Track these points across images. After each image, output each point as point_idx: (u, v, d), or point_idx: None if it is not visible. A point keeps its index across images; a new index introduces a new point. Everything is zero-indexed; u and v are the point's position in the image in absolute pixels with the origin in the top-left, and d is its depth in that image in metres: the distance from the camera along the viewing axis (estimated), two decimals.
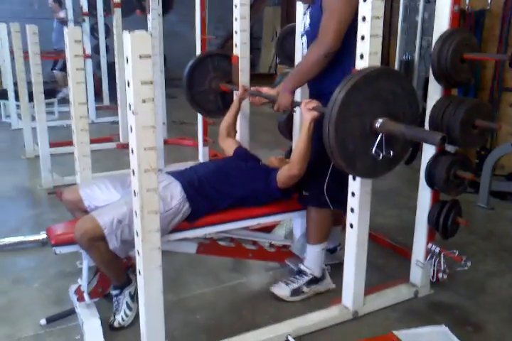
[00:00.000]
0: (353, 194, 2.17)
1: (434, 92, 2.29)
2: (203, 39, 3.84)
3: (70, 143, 2.67)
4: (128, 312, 2.24)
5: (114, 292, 2.27)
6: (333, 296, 2.48)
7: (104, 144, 5.26)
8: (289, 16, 8.55)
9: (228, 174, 2.38)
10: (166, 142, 5.06)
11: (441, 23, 2.20)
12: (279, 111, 2.46)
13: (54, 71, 7.80)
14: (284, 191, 2.36)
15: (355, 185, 2.15)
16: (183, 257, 2.75)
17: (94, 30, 6.92)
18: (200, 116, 4.48)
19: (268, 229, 2.77)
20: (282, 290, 2.46)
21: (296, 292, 2.45)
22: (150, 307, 1.80)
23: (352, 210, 2.19)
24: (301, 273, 2.50)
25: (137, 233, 1.71)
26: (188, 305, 2.43)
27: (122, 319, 2.23)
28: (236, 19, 2.83)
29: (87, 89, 6.65)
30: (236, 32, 2.80)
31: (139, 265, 1.75)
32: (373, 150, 1.85)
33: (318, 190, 2.34)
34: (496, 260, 2.96)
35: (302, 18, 2.45)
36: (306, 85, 2.51)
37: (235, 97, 2.82)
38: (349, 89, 1.77)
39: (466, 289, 2.60)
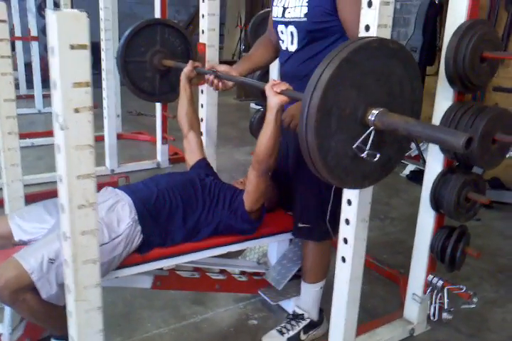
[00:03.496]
0: (347, 221, 1.76)
1: (445, 98, 1.89)
2: None
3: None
4: None
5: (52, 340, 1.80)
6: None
7: (51, 138, 4.65)
8: (254, 1, 8.04)
9: (191, 194, 1.93)
10: (120, 137, 4.53)
11: (458, 12, 1.80)
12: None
13: None
14: (253, 218, 1.95)
15: (350, 211, 1.74)
16: None
17: (41, 9, 6.26)
18: (158, 109, 4.01)
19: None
20: None
21: None
22: None
23: (345, 241, 1.78)
24: (297, 317, 2.08)
25: (69, 289, 1.25)
26: None
27: None
28: (204, 0, 2.35)
29: (28, 75, 6.05)
30: (203, 16, 2.31)
31: (72, 330, 1.30)
32: (355, 145, 1.29)
33: (321, 221, 1.92)
34: (494, 284, 2.62)
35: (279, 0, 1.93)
36: None
37: (182, 76, 2.23)
38: (349, 54, 1.24)
39: (467, 324, 2.25)
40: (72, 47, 1.03)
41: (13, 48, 6.37)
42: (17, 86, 6.16)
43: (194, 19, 8.51)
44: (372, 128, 1.28)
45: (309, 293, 2.07)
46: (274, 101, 1.68)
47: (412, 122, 1.26)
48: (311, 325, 2.07)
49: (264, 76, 2.76)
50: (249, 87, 2.29)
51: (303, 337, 2.05)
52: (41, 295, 1.53)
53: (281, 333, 2.03)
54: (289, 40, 1.90)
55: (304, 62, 1.88)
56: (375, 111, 1.28)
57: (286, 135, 1.95)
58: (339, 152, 1.28)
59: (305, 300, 2.09)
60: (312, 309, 2.08)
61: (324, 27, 1.78)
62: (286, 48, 1.92)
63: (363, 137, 1.29)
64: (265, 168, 1.81)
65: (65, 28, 1.01)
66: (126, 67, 2.42)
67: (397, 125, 1.26)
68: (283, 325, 2.07)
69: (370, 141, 1.28)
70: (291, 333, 2.03)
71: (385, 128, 1.29)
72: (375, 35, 1.47)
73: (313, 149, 1.21)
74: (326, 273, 2.08)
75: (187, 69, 2.21)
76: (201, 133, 2.51)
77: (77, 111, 1.08)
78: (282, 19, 1.89)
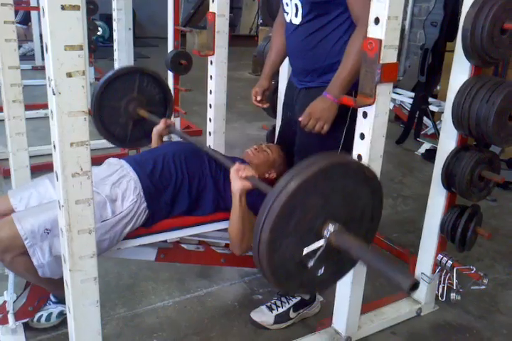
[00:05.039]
0: None
1: (461, 72, 1.80)
2: None
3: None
4: (43, 320, 1.86)
5: (52, 297, 1.88)
6: (321, 311, 2.09)
7: None
8: None
9: (197, 164, 1.90)
10: None
11: None
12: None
13: None
14: None
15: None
16: None
17: None
18: (170, 82, 3.95)
19: None
20: (264, 317, 2.00)
21: (280, 318, 1.99)
22: None
23: None
24: (287, 294, 2.05)
25: (64, 259, 1.23)
26: (144, 323, 1.98)
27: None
28: None
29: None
30: None
31: (68, 300, 1.28)
32: (304, 251, 1.23)
33: None
34: (507, 266, 2.57)
35: None
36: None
37: (154, 132, 2.19)
38: (329, 166, 1.22)
39: (476, 305, 2.21)
40: (63, 7, 0.98)
41: (29, 19, 6.37)
42: (32, 57, 6.13)
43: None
44: (324, 241, 1.23)
45: None
46: (237, 186, 1.69)
47: (366, 249, 1.21)
48: (302, 304, 2.04)
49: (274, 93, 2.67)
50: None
51: (292, 314, 2.01)
52: (33, 261, 1.53)
53: (271, 309, 2.01)
54: (293, 13, 1.85)
55: (308, 36, 1.84)
56: (331, 227, 1.22)
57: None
58: (287, 254, 1.22)
59: None
60: None
61: (327, 0, 1.73)
62: (290, 21, 1.88)
63: (314, 247, 1.23)
64: (238, 252, 1.85)
65: None
66: (100, 111, 2.29)
67: (351, 246, 1.21)
68: (273, 301, 2.05)
69: (318, 253, 1.23)
70: (280, 310, 2.00)
71: (337, 246, 1.23)
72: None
73: (264, 241, 1.16)
74: None
75: (160, 127, 2.17)
76: (210, 106, 2.46)
77: (69, 75, 1.04)
78: None
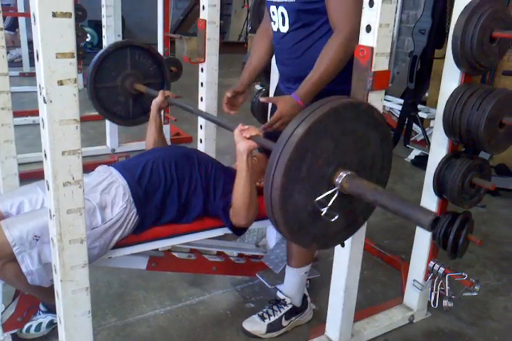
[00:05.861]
0: None
1: (451, 79, 1.81)
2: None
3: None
4: (32, 330, 1.83)
5: (41, 307, 1.84)
6: (314, 318, 2.08)
7: None
8: None
9: (186, 169, 1.88)
10: None
11: None
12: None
13: None
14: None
15: None
16: None
17: None
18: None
19: None
20: (256, 326, 1.97)
21: (273, 327, 1.98)
22: None
23: None
24: (278, 302, 2.03)
25: (55, 269, 1.22)
26: (135, 333, 1.96)
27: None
28: None
29: (32, 52, 5.96)
30: None
31: (59, 311, 1.26)
32: (316, 200, 1.21)
33: None
34: (498, 272, 2.57)
35: None
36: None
37: (153, 106, 2.18)
38: (340, 106, 1.21)
39: (468, 312, 2.21)
40: (55, 14, 0.97)
41: (16, 25, 6.33)
42: (20, 63, 6.09)
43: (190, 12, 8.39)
44: (337, 188, 1.21)
45: (293, 278, 2.01)
46: (242, 146, 1.68)
47: (381, 191, 1.18)
48: (294, 311, 2.02)
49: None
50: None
51: (285, 323, 2.00)
52: (22, 269, 1.51)
53: (263, 318, 1.99)
54: (280, 22, 1.86)
55: (295, 44, 1.84)
56: (343, 174, 1.21)
57: None
58: (300, 202, 1.19)
59: (288, 285, 2.03)
60: (295, 295, 2.02)
61: (314, 7, 1.74)
62: (278, 29, 1.88)
63: (326, 194, 1.21)
64: (245, 222, 1.80)
65: None
66: (97, 95, 2.30)
67: (365, 190, 1.18)
68: (265, 310, 2.03)
69: (332, 200, 1.21)
70: (272, 319, 1.98)
71: (350, 192, 1.21)
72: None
73: (276, 187, 1.13)
74: (311, 259, 2.04)
75: (158, 99, 2.16)
76: None
77: (61, 83, 1.02)
78: (273, 0, 1.86)
